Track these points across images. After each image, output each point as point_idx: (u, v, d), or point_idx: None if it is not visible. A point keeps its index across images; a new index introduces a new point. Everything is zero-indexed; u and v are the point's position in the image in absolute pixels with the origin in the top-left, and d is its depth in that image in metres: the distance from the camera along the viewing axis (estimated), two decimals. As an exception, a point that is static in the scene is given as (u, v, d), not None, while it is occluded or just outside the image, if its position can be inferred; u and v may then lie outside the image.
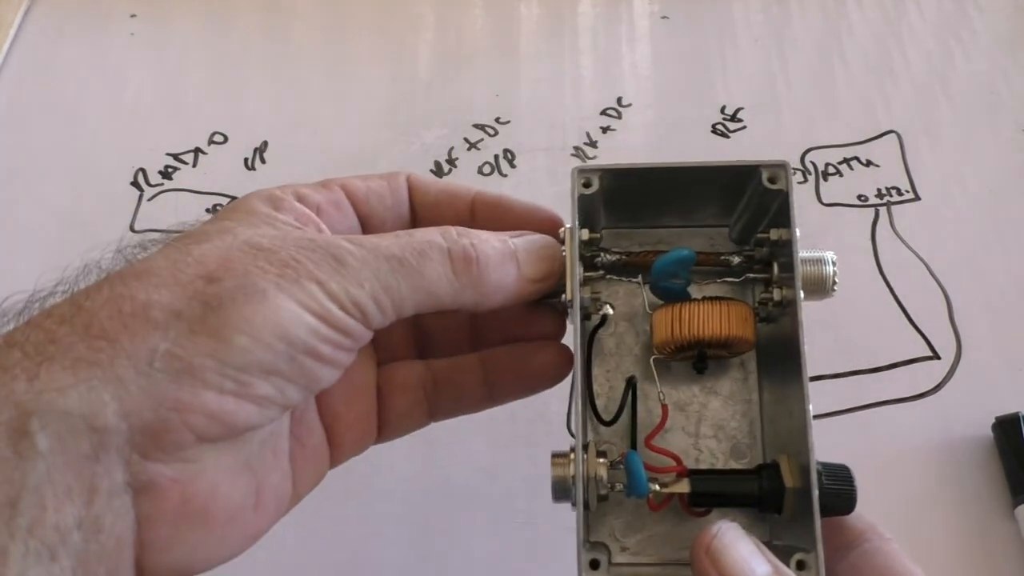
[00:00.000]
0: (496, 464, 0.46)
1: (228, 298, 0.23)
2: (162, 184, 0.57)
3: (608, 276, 0.32)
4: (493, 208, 0.31)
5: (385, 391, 0.32)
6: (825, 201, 0.54)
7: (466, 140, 0.58)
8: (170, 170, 0.58)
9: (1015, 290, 0.50)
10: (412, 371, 0.33)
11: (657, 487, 0.28)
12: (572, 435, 0.47)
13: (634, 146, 0.57)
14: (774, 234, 0.30)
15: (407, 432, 0.33)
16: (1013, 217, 0.53)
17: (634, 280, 0.32)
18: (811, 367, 0.26)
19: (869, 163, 0.56)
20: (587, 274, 0.31)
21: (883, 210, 0.53)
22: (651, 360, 0.31)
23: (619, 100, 0.60)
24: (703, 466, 0.30)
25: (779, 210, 0.29)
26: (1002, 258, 0.51)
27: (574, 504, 0.27)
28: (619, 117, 0.59)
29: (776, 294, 0.29)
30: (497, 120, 0.59)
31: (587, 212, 0.30)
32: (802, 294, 0.28)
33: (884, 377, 0.47)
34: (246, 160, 0.58)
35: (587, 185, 0.30)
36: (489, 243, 0.27)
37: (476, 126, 0.59)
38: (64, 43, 0.65)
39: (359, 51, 0.63)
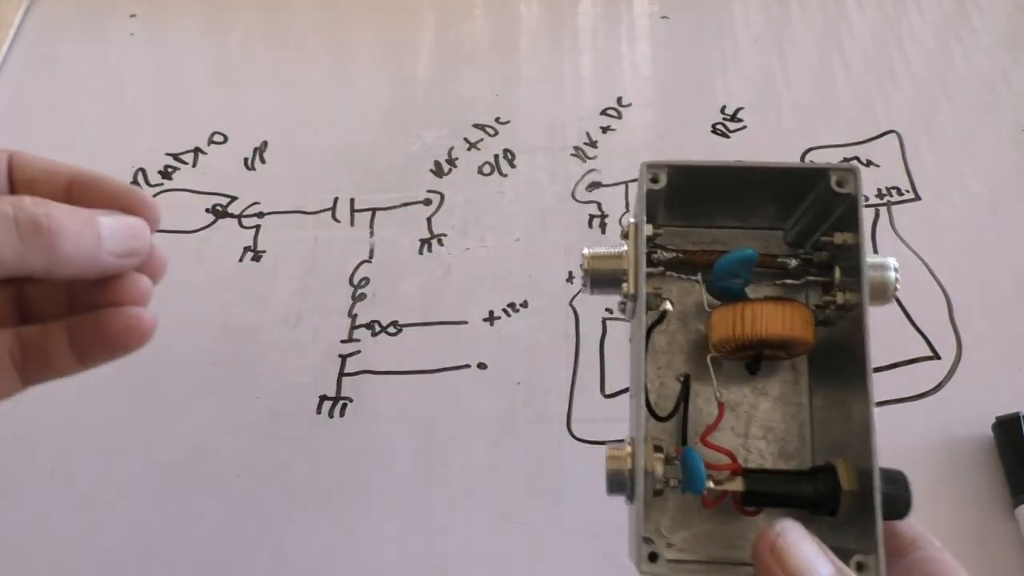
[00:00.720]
0: (496, 464, 0.46)
1: None
2: (162, 184, 0.57)
3: (667, 272, 0.32)
4: (89, 188, 0.31)
5: None
6: (825, 201, 0.54)
7: (466, 140, 0.58)
8: (170, 170, 0.58)
9: (1015, 290, 0.50)
10: None
11: (712, 484, 0.28)
12: (572, 435, 0.47)
13: (634, 146, 0.57)
14: (838, 238, 0.29)
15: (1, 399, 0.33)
16: (1013, 217, 0.53)
17: (693, 278, 0.32)
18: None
19: (869, 163, 0.56)
20: (648, 270, 0.30)
21: (883, 210, 0.53)
22: (708, 358, 0.31)
23: (619, 100, 0.60)
24: (752, 466, 0.30)
25: (844, 214, 0.29)
26: (1002, 258, 0.51)
27: (629, 498, 0.27)
28: (619, 117, 0.59)
29: (840, 298, 0.29)
30: (497, 120, 0.59)
31: (650, 208, 0.30)
32: (868, 299, 0.28)
33: (884, 377, 0.47)
34: (246, 160, 0.58)
35: (655, 180, 0.29)
36: (67, 214, 0.28)
37: (476, 126, 0.59)
38: (64, 43, 0.65)
39: (359, 51, 0.63)
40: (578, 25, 0.64)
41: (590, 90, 0.60)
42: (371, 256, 0.54)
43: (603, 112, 0.59)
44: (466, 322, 0.51)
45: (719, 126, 0.58)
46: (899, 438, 0.45)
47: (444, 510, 0.45)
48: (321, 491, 0.46)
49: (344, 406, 0.48)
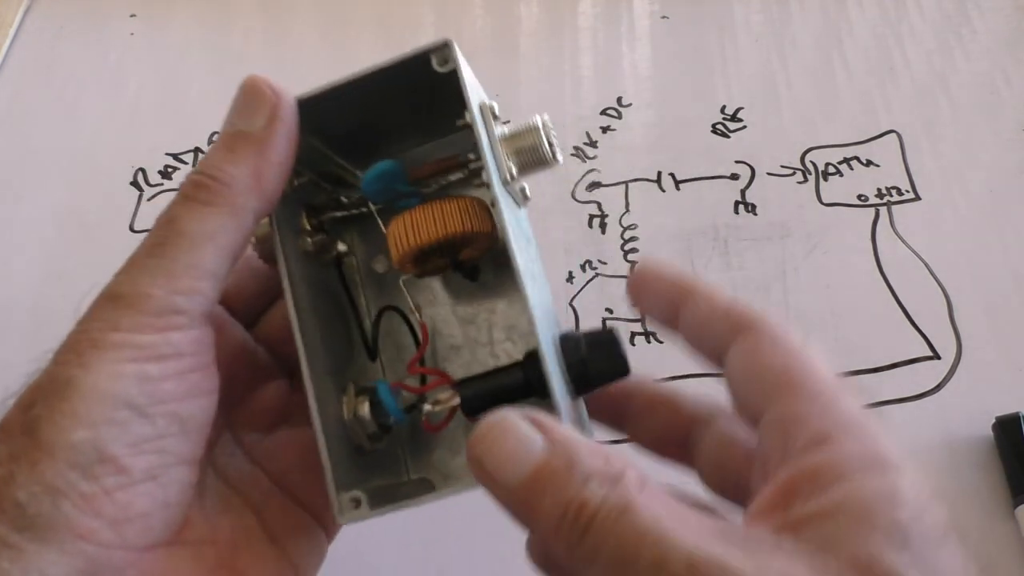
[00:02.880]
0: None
1: (40, 412, 0.22)
2: (162, 184, 0.57)
3: (338, 214, 0.30)
4: None
5: None
6: (825, 201, 0.54)
7: (466, 140, 0.58)
8: (170, 170, 0.58)
9: (1015, 290, 0.50)
10: None
11: (429, 406, 0.27)
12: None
13: (634, 146, 0.57)
14: (468, 119, 0.27)
15: None
16: (1013, 217, 0.53)
17: (362, 209, 0.30)
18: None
19: (869, 163, 0.56)
20: (321, 219, 0.29)
21: (883, 210, 0.53)
22: (400, 281, 0.29)
23: (619, 100, 0.60)
24: (462, 375, 0.29)
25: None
26: (1002, 258, 0.51)
27: (359, 449, 0.27)
28: (619, 117, 0.59)
29: (487, 177, 0.27)
30: (497, 120, 0.59)
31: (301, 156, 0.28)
32: (496, 176, 0.26)
33: (884, 377, 0.47)
34: (246, 160, 0.58)
35: None
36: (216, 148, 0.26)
37: (476, 126, 0.59)
38: (64, 43, 0.65)
39: (359, 51, 0.63)
40: (578, 25, 0.64)
41: (590, 90, 0.60)
42: (371, 256, 0.54)
43: (603, 112, 0.59)
44: (466, 322, 0.51)
45: (719, 126, 0.58)
46: (899, 438, 0.45)
47: (444, 510, 0.45)
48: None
49: (344, 406, 0.48)
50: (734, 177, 0.55)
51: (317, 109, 0.28)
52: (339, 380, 0.28)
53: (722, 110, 0.59)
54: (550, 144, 0.27)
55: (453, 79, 0.26)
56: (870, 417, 0.21)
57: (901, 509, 0.19)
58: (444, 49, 0.26)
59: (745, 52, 0.61)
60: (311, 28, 0.65)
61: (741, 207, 0.54)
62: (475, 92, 0.27)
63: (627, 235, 0.53)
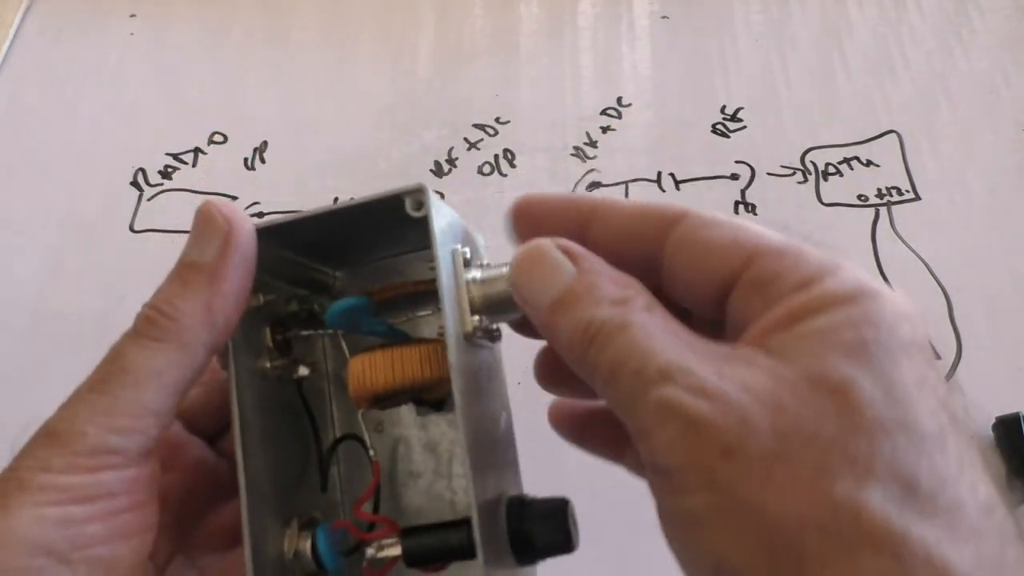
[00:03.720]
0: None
1: None
2: (162, 184, 0.57)
3: (304, 333, 0.29)
4: None
5: None
6: (825, 201, 0.54)
7: (466, 140, 0.58)
8: (170, 170, 0.58)
9: (1015, 290, 0.50)
10: None
11: (372, 551, 0.26)
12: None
13: (634, 146, 0.57)
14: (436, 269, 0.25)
15: None
16: (1013, 217, 0.53)
17: (328, 331, 0.29)
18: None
19: (869, 163, 0.56)
20: (287, 335, 0.28)
21: (883, 210, 0.53)
22: (359, 415, 0.28)
23: (619, 100, 0.60)
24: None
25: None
26: (1002, 258, 0.51)
27: None
28: (619, 117, 0.59)
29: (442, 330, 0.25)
30: (497, 120, 0.59)
31: (273, 268, 0.27)
32: (452, 323, 0.24)
33: (884, 377, 0.47)
34: (246, 160, 0.58)
35: None
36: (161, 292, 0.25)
37: (476, 126, 0.59)
38: (64, 43, 0.65)
39: (359, 51, 0.63)
40: (578, 25, 0.64)
41: (590, 90, 0.60)
42: (371, 256, 0.54)
43: (603, 112, 0.59)
44: (466, 322, 0.51)
45: (719, 126, 0.58)
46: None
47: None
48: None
49: (344, 406, 0.48)
50: (734, 177, 0.55)
51: (286, 230, 0.26)
52: (286, 507, 0.27)
53: (722, 110, 0.59)
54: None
55: (424, 223, 0.25)
56: (843, 260, 0.22)
57: (868, 328, 0.20)
58: (417, 193, 0.25)
59: (745, 52, 0.61)
60: (311, 28, 0.65)
61: (741, 207, 0.54)
62: (447, 235, 0.25)
63: (627, 235, 0.53)
